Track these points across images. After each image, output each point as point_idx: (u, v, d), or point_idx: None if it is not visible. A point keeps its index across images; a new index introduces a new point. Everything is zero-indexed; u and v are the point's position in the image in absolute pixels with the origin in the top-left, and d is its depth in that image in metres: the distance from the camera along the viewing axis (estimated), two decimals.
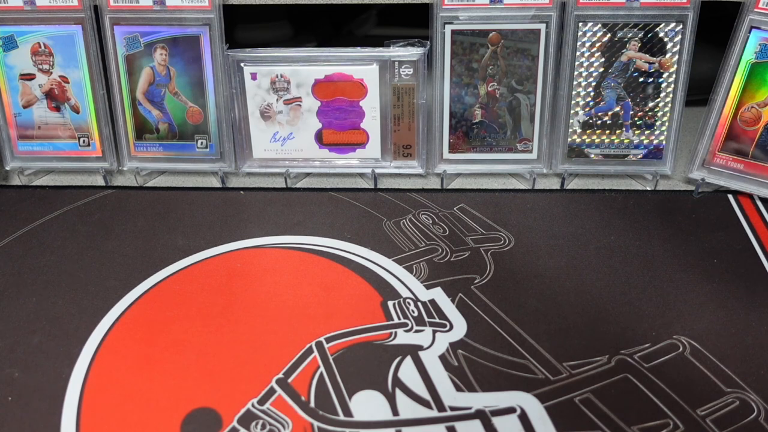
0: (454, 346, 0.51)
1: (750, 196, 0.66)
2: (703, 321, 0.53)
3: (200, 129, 0.68)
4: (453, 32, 0.64)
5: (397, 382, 0.48)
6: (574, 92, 0.65)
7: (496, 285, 0.57)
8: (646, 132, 0.67)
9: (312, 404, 0.47)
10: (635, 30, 0.63)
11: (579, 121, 0.67)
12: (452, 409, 0.46)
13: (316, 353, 0.50)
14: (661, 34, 0.63)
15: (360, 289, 0.56)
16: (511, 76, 0.65)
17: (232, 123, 0.67)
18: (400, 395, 0.47)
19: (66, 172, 0.72)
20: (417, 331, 0.52)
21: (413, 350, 0.51)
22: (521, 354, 0.50)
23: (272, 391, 0.47)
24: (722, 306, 0.54)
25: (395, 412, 0.46)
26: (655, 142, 0.67)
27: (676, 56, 0.64)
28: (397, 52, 0.64)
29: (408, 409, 0.46)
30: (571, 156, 0.68)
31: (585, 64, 0.65)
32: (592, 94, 0.66)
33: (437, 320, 0.53)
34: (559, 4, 0.62)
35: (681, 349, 0.50)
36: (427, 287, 0.57)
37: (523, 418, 0.45)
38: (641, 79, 0.65)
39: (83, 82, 0.67)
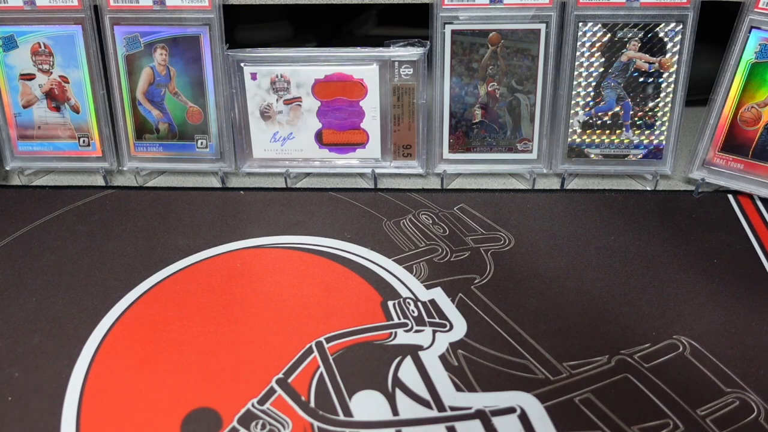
0: (454, 346, 0.51)
1: (750, 196, 0.66)
2: (703, 321, 0.53)
3: (200, 129, 0.68)
4: (453, 32, 0.64)
5: (397, 382, 0.48)
6: (574, 92, 0.65)
7: (496, 285, 0.57)
8: (646, 132, 0.67)
9: (312, 404, 0.47)
10: (635, 30, 0.63)
11: (579, 121, 0.67)
12: (452, 409, 0.46)
13: (316, 353, 0.50)
14: (661, 34, 0.63)
15: (360, 289, 0.56)
16: (511, 76, 0.65)
17: (232, 123, 0.67)
18: (400, 395, 0.47)
19: (66, 172, 0.72)
20: (417, 331, 0.52)
21: (413, 350, 0.51)
22: (521, 354, 0.50)
23: (272, 391, 0.47)
24: (722, 306, 0.54)
25: (395, 412, 0.46)
26: (655, 142, 0.67)
27: (676, 56, 0.64)
28: (397, 52, 0.64)
29: (408, 409, 0.46)
30: (571, 156, 0.68)
31: (585, 64, 0.65)
32: (592, 94, 0.66)
33: (437, 320, 0.53)
34: (559, 4, 0.62)
35: (681, 349, 0.50)
36: (427, 287, 0.57)
37: (523, 418, 0.45)
38: (641, 79, 0.65)
39: (83, 82, 0.67)
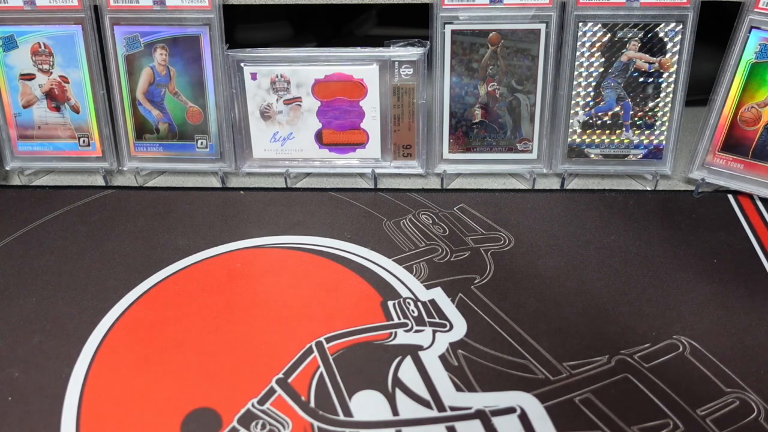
0: (454, 346, 0.51)
1: (750, 196, 0.66)
2: (703, 321, 0.53)
3: (200, 129, 0.68)
4: (453, 32, 0.64)
5: (397, 382, 0.48)
6: (574, 92, 0.65)
7: (496, 285, 0.57)
8: (646, 132, 0.67)
9: (312, 404, 0.47)
10: (635, 30, 0.63)
11: (579, 121, 0.67)
12: (452, 409, 0.46)
13: (316, 353, 0.50)
14: (661, 34, 0.63)
15: (360, 289, 0.56)
16: (511, 76, 0.65)
17: (232, 123, 0.67)
18: (400, 395, 0.47)
19: (66, 172, 0.72)
20: (417, 331, 0.52)
21: (413, 350, 0.51)
22: (521, 354, 0.50)
23: (272, 391, 0.47)
24: (722, 306, 0.54)
25: (395, 412, 0.46)
26: (655, 142, 0.67)
27: (676, 56, 0.64)
28: (397, 52, 0.64)
29: (408, 409, 0.46)
30: (571, 156, 0.68)
31: (585, 64, 0.65)
32: (592, 94, 0.66)
33: (437, 320, 0.53)
34: (559, 4, 0.62)
35: (681, 349, 0.50)
36: (427, 287, 0.57)
37: (523, 418, 0.45)
38: (641, 79, 0.65)
39: (83, 82, 0.67)
